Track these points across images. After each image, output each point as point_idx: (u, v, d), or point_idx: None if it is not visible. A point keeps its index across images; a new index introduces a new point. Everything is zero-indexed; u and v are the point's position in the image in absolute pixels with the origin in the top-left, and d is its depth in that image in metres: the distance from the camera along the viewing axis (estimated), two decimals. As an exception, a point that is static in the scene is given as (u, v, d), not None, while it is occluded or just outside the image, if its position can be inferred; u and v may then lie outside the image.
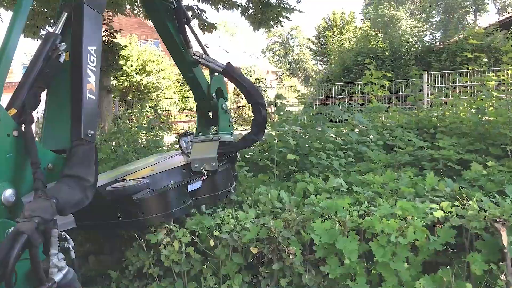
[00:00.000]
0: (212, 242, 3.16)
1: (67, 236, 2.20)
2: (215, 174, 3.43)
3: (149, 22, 21.38)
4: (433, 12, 47.37)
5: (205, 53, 3.72)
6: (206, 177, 3.39)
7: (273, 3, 7.99)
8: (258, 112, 3.62)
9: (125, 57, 9.39)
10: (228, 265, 3.17)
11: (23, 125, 2.10)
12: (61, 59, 2.30)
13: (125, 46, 9.63)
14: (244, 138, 3.70)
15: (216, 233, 3.16)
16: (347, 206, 3.05)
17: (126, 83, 19.29)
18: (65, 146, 2.29)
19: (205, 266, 3.22)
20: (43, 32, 11.69)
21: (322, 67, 51.14)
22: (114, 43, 8.45)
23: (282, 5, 7.99)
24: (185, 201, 3.22)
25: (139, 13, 9.66)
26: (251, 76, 32.55)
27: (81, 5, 2.37)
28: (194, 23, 9.42)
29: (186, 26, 3.54)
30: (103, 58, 8.33)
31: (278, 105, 5.11)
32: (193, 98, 3.90)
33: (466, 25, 43.56)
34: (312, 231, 2.88)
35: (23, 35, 11.22)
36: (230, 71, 3.65)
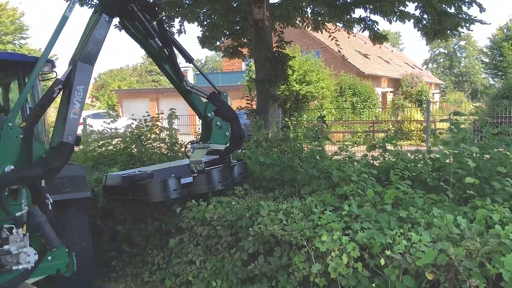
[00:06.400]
0: (383, 261, 3.08)
1: (49, 196, 3.77)
2: (202, 173, 4.66)
3: (311, 33, 21.84)
4: None
5: (210, 82, 5.02)
6: (196, 174, 4.66)
7: (451, 13, 7.48)
8: (234, 130, 4.90)
9: (291, 68, 9.74)
10: (398, 287, 3.05)
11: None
12: (54, 95, 3.74)
13: (293, 57, 9.95)
14: (226, 148, 4.90)
15: (388, 252, 3.07)
16: (544, 243, 2.70)
17: (286, 92, 20.00)
18: (56, 144, 3.61)
19: (373, 285, 3.15)
20: (218, 43, 12.78)
21: (494, 81, 46.33)
22: (283, 54, 8.83)
23: (461, 15, 7.44)
24: (176, 189, 4.47)
25: (308, 25, 9.93)
26: (412, 88, 31.02)
27: (76, 62, 3.74)
28: (365, 34, 9.34)
29: (190, 63, 4.93)
30: (273, 69, 8.77)
31: (454, 122, 4.77)
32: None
33: None
34: (501, 266, 2.61)
35: (201, 46, 12.43)
36: (212, 98, 4.87)
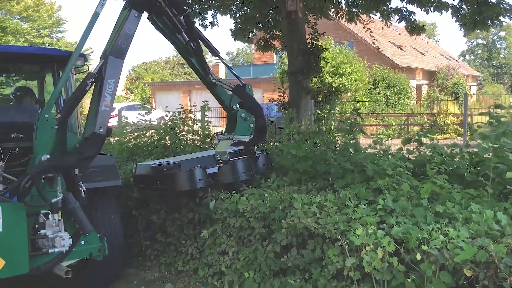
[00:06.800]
0: (419, 256, 3.03)
1: (82, 184, 4.00)
2: (227, 164, 4.76)
3: (344, 25, 21.51)
4: None
5: (235, 75, 5.11)
6: (222, 165, 4.77)
7: (492, 2, 7.22)
8: (257, 121, 5.01)
9: (325, 59, 9.64)
10: (434, 282, 2.99)
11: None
12: (87, 88, 3.91)
13: (327, 48, 9.85)
14: (251, 139, 5.00)
15: (425, 247, 3.01)
16: None
17: (318, 85, 19.82)
18: (88, 135, 3.81)
19: (408, 280, 3.10)
20: (250, 36, 12.75)
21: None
22: (316, 46, 8.73)
23: (502, 4, 7.17)
24: (202, 179, 4.58)
25: (342, 16, 9.79)
26: (447, 80, 30.23)
27: (107, 56, 3.90)
28: (400, 25, 9.15)
29: (217, 56, 5.00)
30: (306, 61, 8.69)
31: (494, 115, 4.61)
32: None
33: None
34: (544, 264, 2.52)
35: (233, 38, 12.46)
36: (237, 91, 5.00)
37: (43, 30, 35.36)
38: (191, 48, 4.64)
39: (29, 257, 3.61)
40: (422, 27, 8.58)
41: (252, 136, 5.03)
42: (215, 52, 4.96)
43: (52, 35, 36.74)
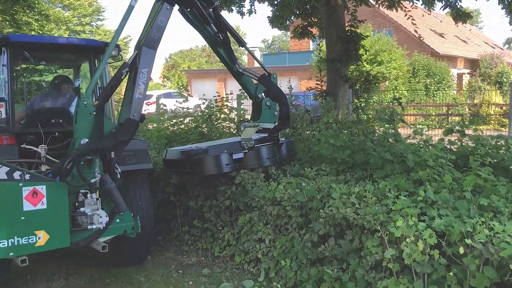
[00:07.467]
0: (462, 250, 2.96)
1: (118, 167, 4.23)
2: (253, 150, 4.96)
3: (383, 12, 20.96)
4: None
5: (260, 64, 5.41)
6: (247, 151, 4.97)
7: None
8: (282, 110, 5.11)
9: (364, 47, 9.45)
10: (477, 277, 2.92)
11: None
12: (122, 77, 4.14)
13: (367, 36, 9.64)
14: (274, 127, 5.14)
15: (468, 241, 2.93)
16: None
17: (355, 73, 19.45)
18: (123, 120, 4.03)
19: (450, 273, 3.04)
20: (287, 23, 12.64)
21: None
22: (356, 33, 8.57)
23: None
24: (228, 164, 4.76)
25: (382, 3, 9.54)
26: (491, 69, 29.09)
27: (141, 47, 4.12)
28: (440, 11, 8.82)
29: (243, 47, 5.27)
30: (345, 48, 8.54)
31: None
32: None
33: None
34: None
35: (270, 25, 12.38)
36: (262, 80, 5.12)
37: (84, 18, 36.13)
38: (219, 39, 4.81)
39: (70, 232, 3.90)
40: (468, 14, 8.23)
41: (276, 123, 5.16)
42: (242, 43, 5.14)
43: (92, 23, 37.52)
